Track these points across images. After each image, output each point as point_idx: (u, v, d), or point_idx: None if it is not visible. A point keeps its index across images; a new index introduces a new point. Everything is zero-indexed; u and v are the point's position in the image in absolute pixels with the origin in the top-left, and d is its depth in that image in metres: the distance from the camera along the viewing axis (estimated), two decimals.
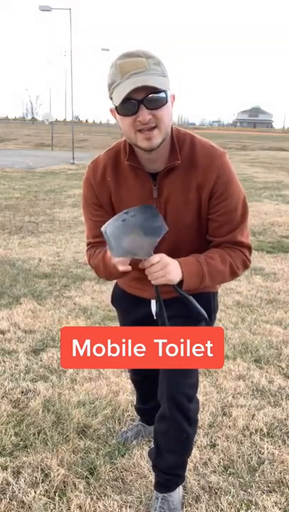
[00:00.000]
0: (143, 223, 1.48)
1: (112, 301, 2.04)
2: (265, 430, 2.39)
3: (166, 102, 1.42)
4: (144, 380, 2.16)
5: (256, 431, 2.39)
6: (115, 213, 1.57)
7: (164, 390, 1.70)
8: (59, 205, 9.22)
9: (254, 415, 2.51)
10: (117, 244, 1.46)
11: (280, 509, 1.91)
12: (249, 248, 1.67)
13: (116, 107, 1.43)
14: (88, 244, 1.75)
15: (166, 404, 1.71)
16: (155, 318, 1.70)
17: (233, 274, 1.64)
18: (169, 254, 1.53)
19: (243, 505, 1.92)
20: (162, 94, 1.40)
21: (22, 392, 2.67)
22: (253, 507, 1.91)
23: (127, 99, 1.37)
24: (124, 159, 1.58)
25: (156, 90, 1.38)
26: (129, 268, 1.49)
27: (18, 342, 3.28)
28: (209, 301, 1.81)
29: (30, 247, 5.96)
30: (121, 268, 1.47)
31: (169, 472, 1.84)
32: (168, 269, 1.47)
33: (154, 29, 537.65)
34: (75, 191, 11.23)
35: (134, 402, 2.41)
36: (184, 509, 1.90)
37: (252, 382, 2.84)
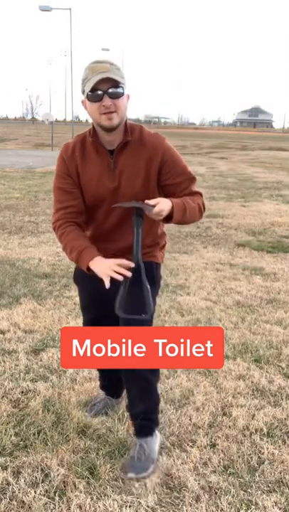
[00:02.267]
0: None
1: (75, 279, 2.32)
2: (265, 430, 2.39)
3: (123, 94, 1.91)
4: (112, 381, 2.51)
5: (256, 431, 2.39)
6: (80, 182, 2.04)
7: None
8: None
9: (254, 415, 2.51)
10: None
11: (280, 509, 1.91)
12: (202, 195, 2.15)
13: (87, 95, 1.90)
14: (57, 210, 2.08)
15: None
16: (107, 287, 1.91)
17: (200, 212, 2.09)
18: (123, 216, 2.03)
19: (243, 505, 1.92)
20: (120, 89, 1.89)
21: (22, 392, 2.67)
22: (253, 507, 1.91)
23: (95, 89, 1.86)
24: (89, 139, 2.03)
25: (117, 84, 1.87)
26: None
27: (18, 342, 3.28)
28: (152, 269, 2.11)
29: (30, 247, 5.96)
30: (106, 282, 1.84)
31: (143, 417, 2.14)
32: (164, 205, 1.88)
33: (154, 29, 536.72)
34: None
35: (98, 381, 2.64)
36: (184, 509, 1.90)
37: (252, 382, 2.84)
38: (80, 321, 3.62)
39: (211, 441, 2.30)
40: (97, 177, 2.03)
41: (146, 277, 1.91)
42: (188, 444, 2.27)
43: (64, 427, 2.36)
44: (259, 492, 1.99)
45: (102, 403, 2.52)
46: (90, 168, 2.04)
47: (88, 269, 1.94)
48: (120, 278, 1.82)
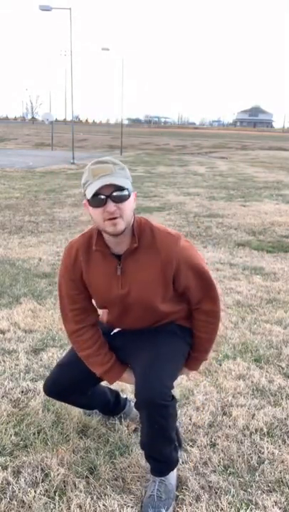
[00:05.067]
0: None
1: None
2: (265, 430, 2.39)
3: (128, 197, 1.76)
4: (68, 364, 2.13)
5: (256, 430, 2.38)
6: (86, 287, 1.93)
7: (140, 390, 1.80)
8: (59, 205, 9.22)
9: (254, 415, 2.51)
10: None
11: (280, 509, 1.91)
12: (218, 312, 1.99)
13: (88, 201, 1.75)
14: (67, 316, 2.00)
15: (142, 402, 1.80)
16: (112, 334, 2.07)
17: (216, 330, 2.03)
18: (135, 319, 1.94)
19: (243, 504, 1.92)
20: (125, 192, 1.74)
21: (22, 392, 2.67)
22: (253, 506, 1.91)
23: (97, 194, 1.70)
24: (93, 247, 1.88)
25: (120, 188, 1.72)
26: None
27: (18, 342, 3.28)
28: (172, 326, 2.01)
29: (30, 246, 5.96)
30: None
31: (161, 460, 1.94)
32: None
33: (154, 29, 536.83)
34: (75, 191, 11.22)
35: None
36: (184, 508, 1.90)
37: (252, 381, 2.84)
38: None
39: (211, 441, 2.30)
40: (104, 283, 1.89)
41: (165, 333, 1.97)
42: (188, 444, 2.27)
43: (64, 426, 2.36)
44: (259, 492, 1.99)
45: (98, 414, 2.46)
46: (97, 273, 1.90)
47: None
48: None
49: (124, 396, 2.48)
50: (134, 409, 2.39)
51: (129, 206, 1.77)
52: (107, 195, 1.71)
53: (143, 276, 1.85)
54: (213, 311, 1.97)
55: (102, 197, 1.71)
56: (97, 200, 1.72)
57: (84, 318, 1.99)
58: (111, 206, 1.71)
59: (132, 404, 2.40)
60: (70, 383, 2.07)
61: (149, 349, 1.91)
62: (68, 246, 1.96)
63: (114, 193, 1.71)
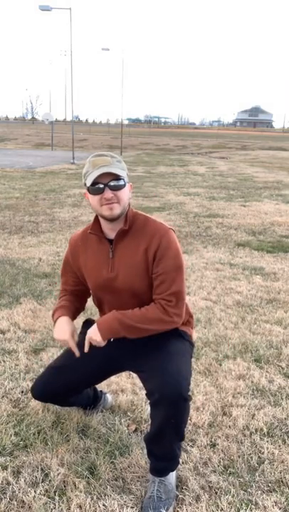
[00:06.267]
0: None
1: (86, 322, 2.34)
2: (265, 430, 2.39)
3: (124, 186, 1.92)
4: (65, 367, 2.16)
5: (256, 430, 2.38)
6: (83, 271, 2.10)
7: (164, 385, 1.80)
8: (59, 205, 9.22)
9: (254, 415, 2.51)
10: None
11: (280, 509, 1.91)
12: (173, 299, 1.93)
13: (88, 189, 1.92)
14: (61, 289, 2.28)
15: (166, 398, 1.80)
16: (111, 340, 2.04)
17: (159, 322, 1.92)
18: (129, 302, 1.98)
19: (243, 504, 1.92)
20: (121, 182, 1.90)
21: (22, 392, 2.67)
22: (253, 507, 1.91)
23: (96, 183, 1.88)
24: (87, 231, 2.07)
25: (117, 177, 1.88)
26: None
27: (18, 342, 3.28)
28: (176, 333, 2.03)
29: (30, 246, 5.96)
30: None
31: (166, 458, 1.94)
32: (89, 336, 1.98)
33: (154, 28, 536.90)
34: (75, 191, 11.22)
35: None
36: (184, 508, 1.90)
37: (252, 381, 2.84)
38: (80, 321, 3.62)
39: (211, 441, 2.30)
40: (97, 265, 2.03)
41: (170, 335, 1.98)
42: (188, 444, 2.27)
43: (64, 426, 2.36)
44: (259, 492, 1.99)
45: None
46: (92, 257, 2.06)
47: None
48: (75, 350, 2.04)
49: (99, 389, 2.52)
50: (108, 401, 2.53)
51: (125, 194, 1.93)
52: (105, 184, 1.87)
53: (129, 261, 1.96)
54: (172, 312, 1.92)
55: (101, 185, 1.88)
56: (96, 189, 1.89)
57: (68, 295, 2.22)
58: (108, 193, 1.88)
59: (108, 396, 2.53)
60: (64, 387, 2.12)
61: (158, 349, 1.94)
62: (73, 235, 2.19)
63: (112, 182, 1.88)
